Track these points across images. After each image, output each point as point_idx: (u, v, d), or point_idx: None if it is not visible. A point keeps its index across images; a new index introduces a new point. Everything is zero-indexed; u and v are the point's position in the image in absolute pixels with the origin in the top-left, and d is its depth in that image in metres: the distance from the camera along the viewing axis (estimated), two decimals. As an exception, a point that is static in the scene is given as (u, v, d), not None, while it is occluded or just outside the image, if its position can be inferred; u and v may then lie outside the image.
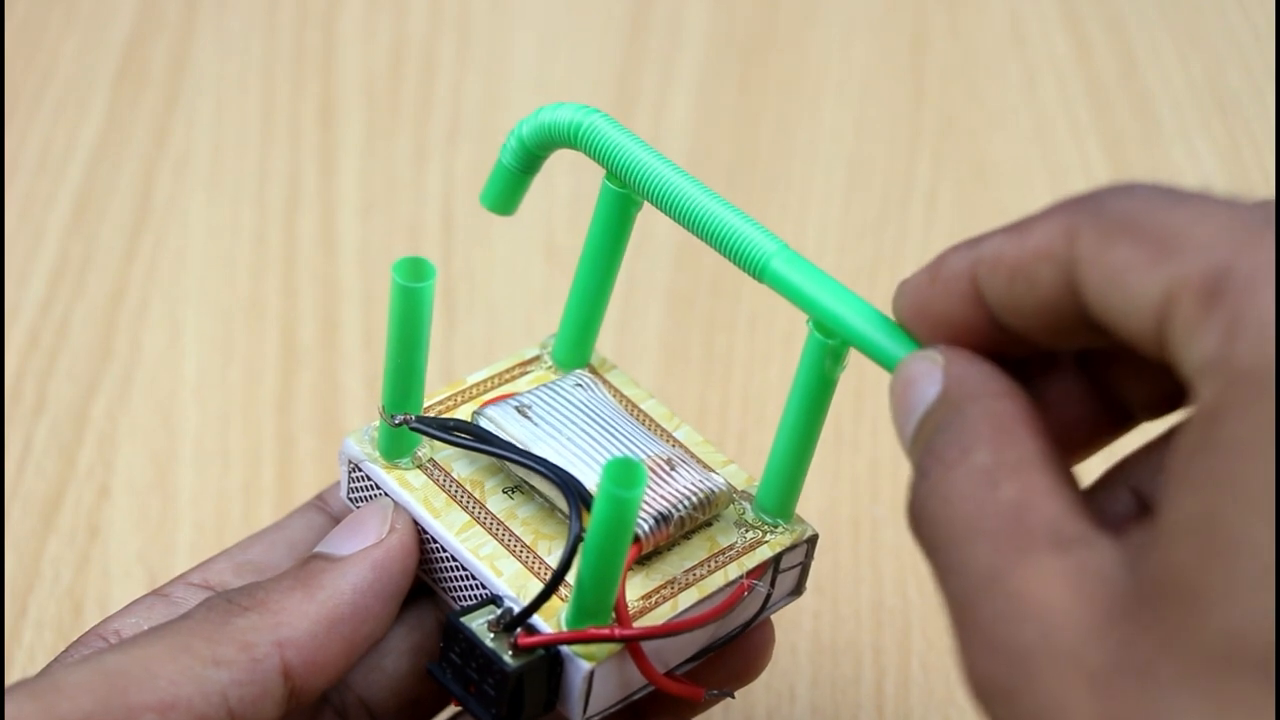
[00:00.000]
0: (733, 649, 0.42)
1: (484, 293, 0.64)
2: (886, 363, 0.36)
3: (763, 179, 0.69)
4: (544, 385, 0.43)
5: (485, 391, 0.44)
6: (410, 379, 0.40)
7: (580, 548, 0.37)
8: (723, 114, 0.71)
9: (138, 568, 0.55)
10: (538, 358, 0.45)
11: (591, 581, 0.37)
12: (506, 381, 0.44)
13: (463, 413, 0.43)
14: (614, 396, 0.44)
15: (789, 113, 0.72)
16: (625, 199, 0.41)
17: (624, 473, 0.34)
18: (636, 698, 0.40)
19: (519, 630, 0.38)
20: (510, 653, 0.38)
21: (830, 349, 0.38)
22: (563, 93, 0.72)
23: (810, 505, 0.58)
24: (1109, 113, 0.72)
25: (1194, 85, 0.74)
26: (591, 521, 0.36)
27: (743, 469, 0.43)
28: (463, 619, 0.38)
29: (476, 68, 0.72)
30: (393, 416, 0.40)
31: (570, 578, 0.38)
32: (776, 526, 0.42)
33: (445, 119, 0.70)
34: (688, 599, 0.40)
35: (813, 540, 0.42)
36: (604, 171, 0.41)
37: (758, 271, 0.38)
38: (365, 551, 0.39)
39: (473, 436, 0.41)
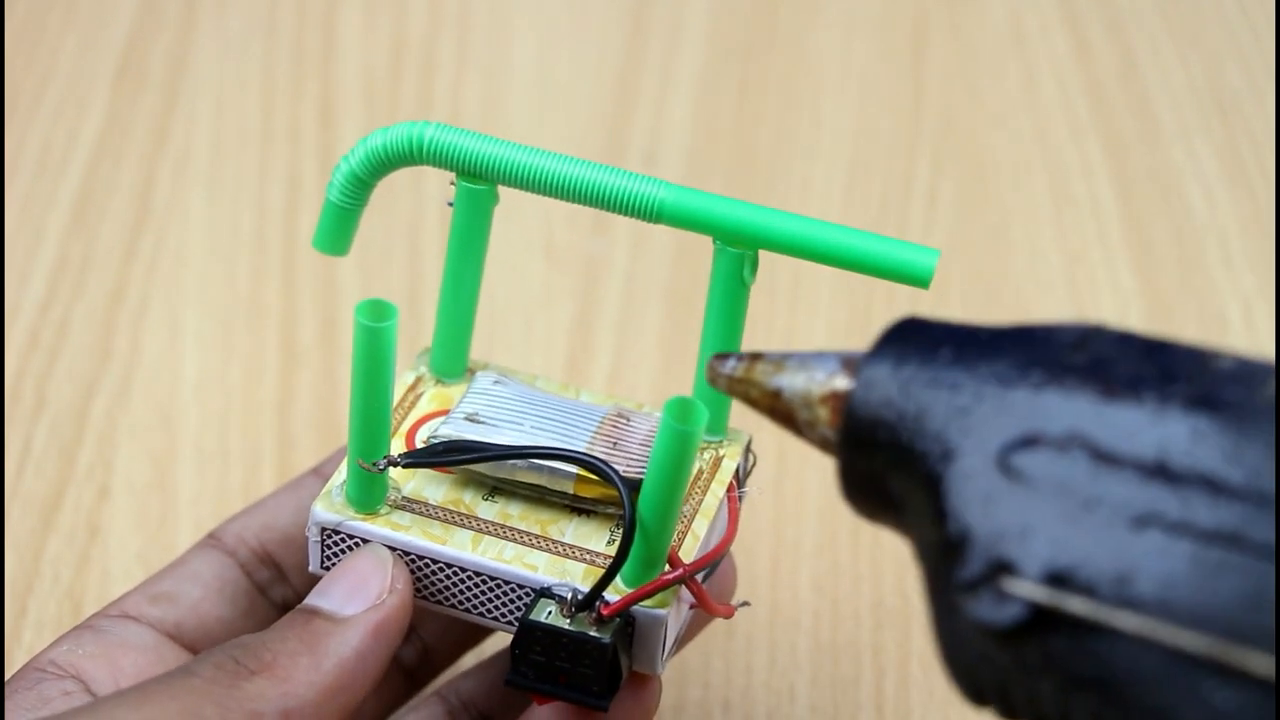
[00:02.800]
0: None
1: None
2: (802, 250, 0.40)
3: (763, 179, 0.69)
4: (469, 392, 0.43)
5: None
6: (381, 421, 0.40)
7: (638, 502, 0.39)
8: (723, 114, 0.71)
9: (137, 568, 0.55)
10: (420, 378, 0.45)
11: (657, 528, 0.39)
12: (410, 408, 0.44)
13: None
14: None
15: (789, 113, 0.72)
16: (485, 195, 0.42)
17: (684, 410, 0.36)
18: (681, 634, 0.42)
19: (599, 603, 0.39)
20: (595, 628, 0.39)
21: (745, 258, 0.41)
22: (563, 93, 0.72)
23: (810, 505, 0.58)
24: (1109, 113, 0.72)
25: (1194, 85, 0.74)
26: (655, 465, 0.38)
27: (655, 409, 0.45)
28: (532, 618, 0.39)
29: (476, 68, 0.72)
30: (375, 463, 0.40)
31: (606, 548, 0.41)
32: (721, 442, 0.44)
33: (445, 119, 0.70)
34: (701, 526, 0.42)
35: (749, 442, 0.45)
36: (453, 175, 0.42)
37: (654, 213, 0.41)
38: (368, 615, 0.39)
39: (467, 452, 0.41)
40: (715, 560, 0.41)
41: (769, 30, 0.76)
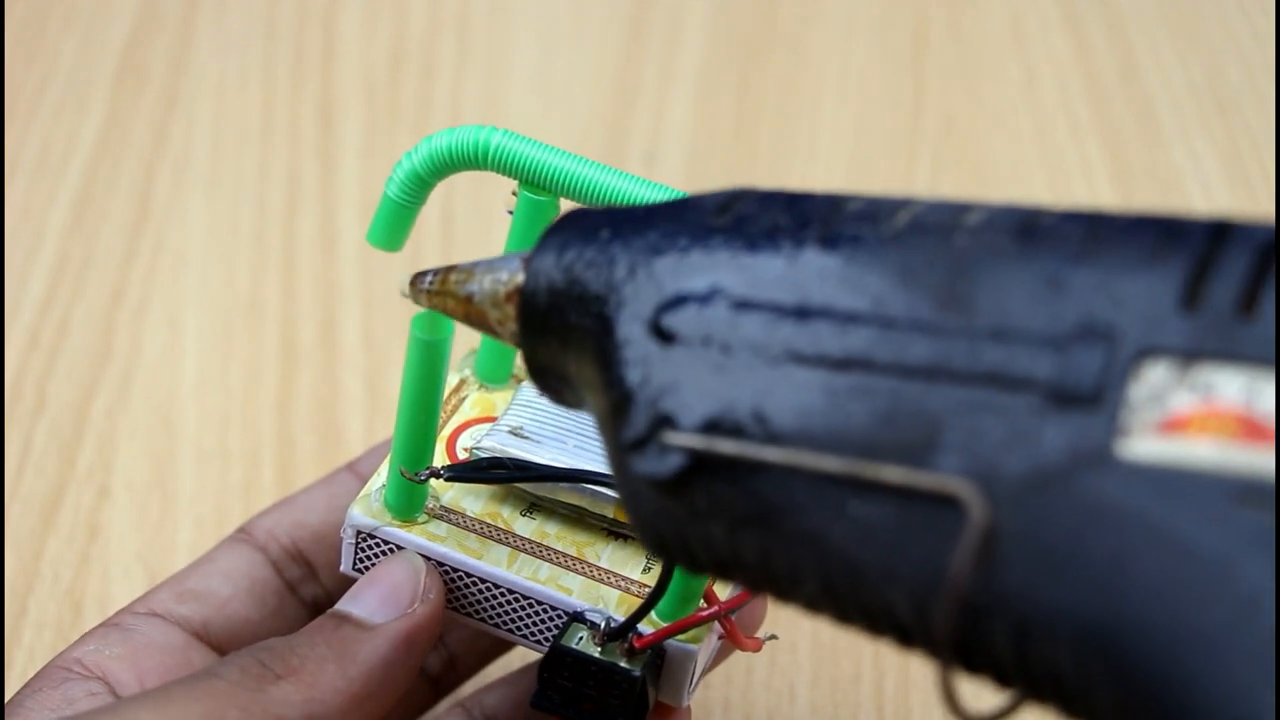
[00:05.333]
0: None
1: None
2: None
3: (763, 179, 0.69)
4: (514, 404, 0.43)
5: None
6: (428, 433, 0.40)
7: None
8: (723, 114, 0.71)
9: (138, 568, 0.55)
10: (464, 381, 0.45)
11: None
12: (453, 413, 0.44)
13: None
14: None
15: (789, 113, 0.72)
16: (545, 205, 0.42)
17: None
18: (708, 665, 0.42)
19: (631, 635, 0.39)
20: (626, 659, 0.39)
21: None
22: (563, 93, 0.72)
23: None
24: (1109, 113, 0.72)
25: (1194, 85, 0.74)
26: None
27: None
28: (563, 643, 0.39)
29: (476, 68, 0.72)
30: (417, 474, 0.40)
31: (641, 575, 0.40)
32: None
33: (445, 119, 0.70)
34: None
35: None
36: (516, 183, 0.42)
37: None
38: (398, 624, 0.39)
39: (509, 469, 0.41)
40: (750, 598, 0.40)
41: (769, 30, 0.76)
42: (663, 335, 0.31)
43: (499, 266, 0.34)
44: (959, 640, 0.28)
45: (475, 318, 0.35)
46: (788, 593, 0.30)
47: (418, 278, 0.36)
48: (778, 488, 0.29)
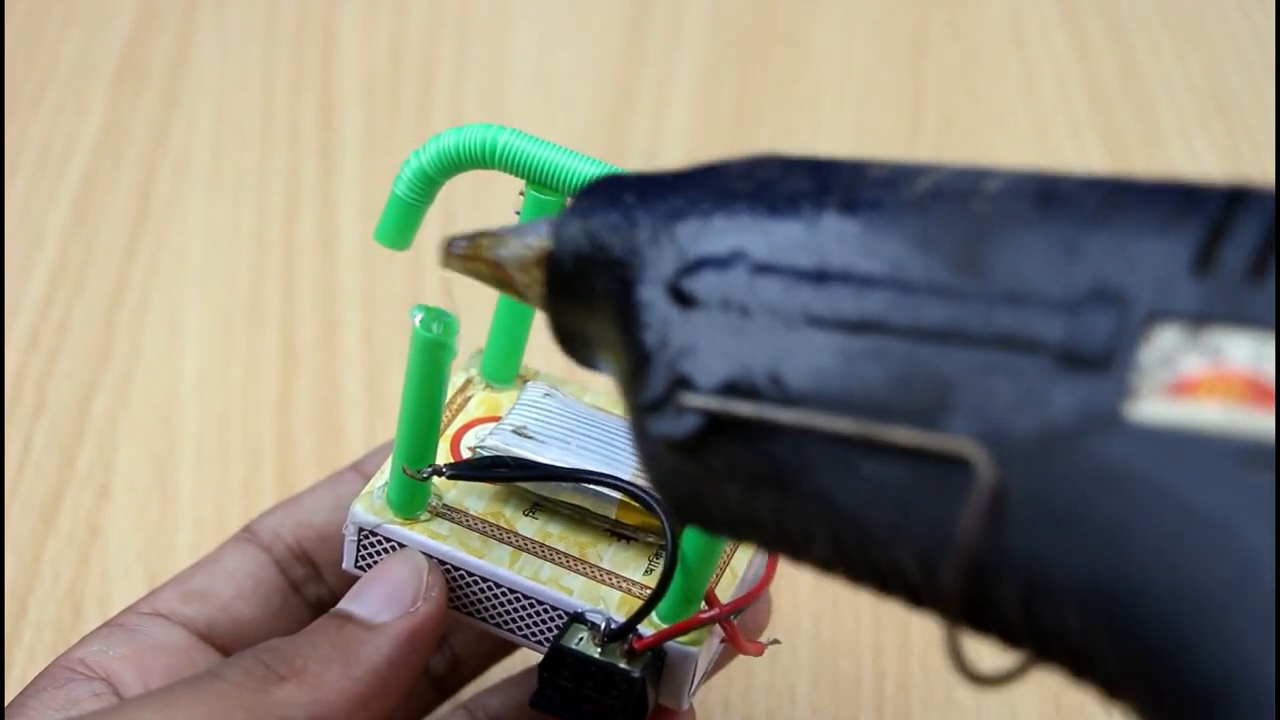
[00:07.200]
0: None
1: (484, 293, 0.63)
2: None
3: (763, 179, 0.69)
4: (519, 403, 0.43)
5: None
6: (430, 430, 0.40)
7: (681, 539, 0.38)
8: (723, 114, 0.71)
9: (138, 568, 0.55)
10: (470, 380, 0.45)
11: (698, 567, 0.38)
12: (458, 411, 0.44)
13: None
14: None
15: (789, 113, 0.72)
16: (553, 206, 0.42)
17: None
18: (710, 668, 0.42)
19: (631, 636, 0.38)
20: (625, 660, 0.39)
21: None
22: (563, 93, 0.72)
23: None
24: (1109, 113, 0.72)
25: (1194, 85, 0.74)
26: None
27: None
28: (563, 643, 0.39)
29: (476, 68, 0.72)
30: (419, 471, 0.40)
31: (643, 577, 0.40)
32: None
33: (445, 119, 0.70)
34: (741, 563, 0.41)
35: None
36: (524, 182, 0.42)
37: None
38: (402, 623, 0.39)
39: (512, 468, 0.41)
40: (751, 600, 0.40)
41: (769, 30, 0.76)
42: (682, 299, 0.31)
43: (527, 232, 0.34)
44: (967, 600, 0.28)
45: (504, 282, 0.35)
46: (801, 553, 0.30)
47: (450, 242, 0.36)
48: (792, 448, 0.29)
